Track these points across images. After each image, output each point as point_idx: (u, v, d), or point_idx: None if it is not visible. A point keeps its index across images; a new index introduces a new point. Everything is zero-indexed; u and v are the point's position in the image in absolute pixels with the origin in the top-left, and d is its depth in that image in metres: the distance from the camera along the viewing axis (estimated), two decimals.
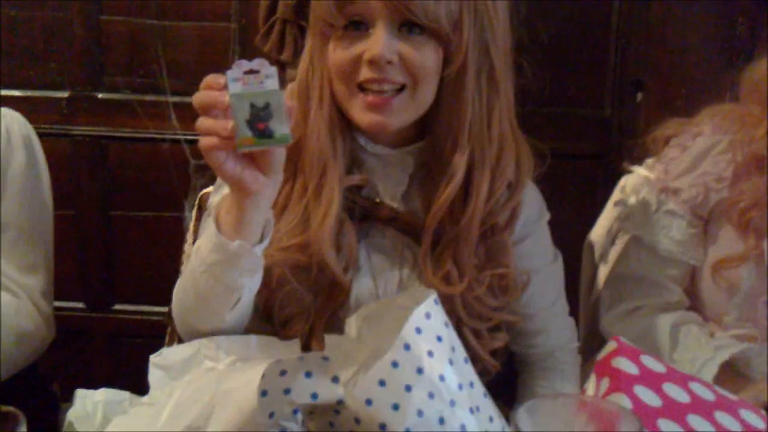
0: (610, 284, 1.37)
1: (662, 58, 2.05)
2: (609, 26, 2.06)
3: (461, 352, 0.95)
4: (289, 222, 1.08)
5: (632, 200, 1.34)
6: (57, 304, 1.43)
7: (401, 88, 1.04)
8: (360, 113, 1.05)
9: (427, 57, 1.03)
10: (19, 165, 1.34)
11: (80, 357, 2.22)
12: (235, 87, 0.89)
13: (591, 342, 1.43)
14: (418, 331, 0.90)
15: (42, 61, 2.11)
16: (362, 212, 1.11)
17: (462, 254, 1.09)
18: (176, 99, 2.05)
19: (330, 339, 0.98)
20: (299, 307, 1.09)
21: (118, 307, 2.24)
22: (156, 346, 1.40)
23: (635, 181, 1.37)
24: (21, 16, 2.09)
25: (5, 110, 1.37)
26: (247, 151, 0.91)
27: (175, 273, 1.41)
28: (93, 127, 2.12)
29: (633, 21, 2.05)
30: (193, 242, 1.36)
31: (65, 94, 2.12)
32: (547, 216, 1.23)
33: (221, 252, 0.97)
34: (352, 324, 1.01)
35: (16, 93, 2.09)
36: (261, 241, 0.99)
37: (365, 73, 1.02)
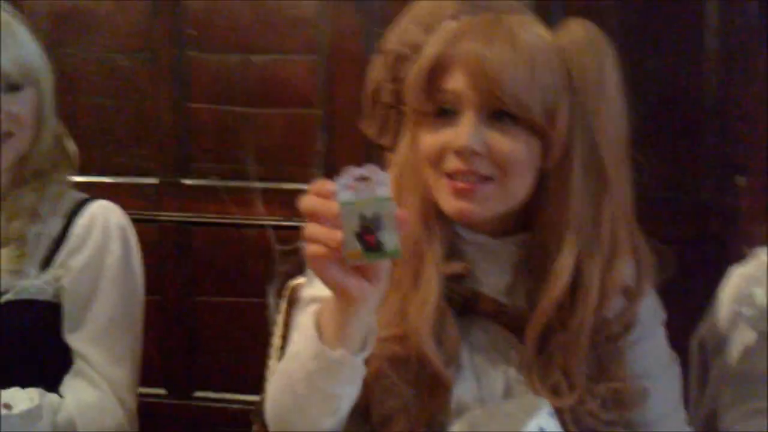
0: (733, 381, 1.27)
1: (764, 139, 1.94)
2: (702, 105, 1.98)
3: None
4: (385, 313, 1.04)
5: (758, 292, 1.24)
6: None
7: (489, 177, 1.00)
8: (445, 199, 1.02)
9: (518, 149, 0.99)
10: (115, 255, 1.36)
11: None
12: (345, 195, 0.85)
13: None
14: None
15: (132, 148, 2.14)
16: (464, 303, 1.06)
17: (572, 363, 1.02)
18: (262, 185, 2.05)
19: None
20: (399, 403, 1.03)
21: (199, 394, 2.20)
22: None
23: (759, 271, 1.27)
24: (112, 105, 2.14)
25: (104, 203, 1.40)
26: (354, 264, 0.87)
27: (257, 361, 1.43)
28: (180, 212, 2.13)
29: (730, 100, 1.97)
30: (283, 336, 1.36)
31: (154, 181, 2.14)
32: (662, 316, 1.16)
33: (322, 360, 0.93)
34: None
35: (107, 180, 2.12)
36: (363, 348, 0.94)
37: (451, 163, 1.00)
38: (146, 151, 2.14)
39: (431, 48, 1.01)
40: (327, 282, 0.89)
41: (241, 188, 2.08)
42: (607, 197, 1.02)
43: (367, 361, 0.99)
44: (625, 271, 1.05)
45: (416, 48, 1.05)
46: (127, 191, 2.10)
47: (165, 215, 2.14)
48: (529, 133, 0.99)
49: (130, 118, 2.14)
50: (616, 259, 1.03)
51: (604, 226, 1.02)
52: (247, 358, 1.88)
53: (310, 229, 0.87)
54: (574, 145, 1.00)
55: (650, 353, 1.12)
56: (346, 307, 0.90)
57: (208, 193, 2.12)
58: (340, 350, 0.92)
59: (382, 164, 0.96)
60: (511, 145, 0.98)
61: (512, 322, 1.05)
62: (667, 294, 1.36)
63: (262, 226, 2.02)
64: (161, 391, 2.19)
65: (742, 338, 1.26)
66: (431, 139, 1.02)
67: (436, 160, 1.02)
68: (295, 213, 0.89)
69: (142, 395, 1.40)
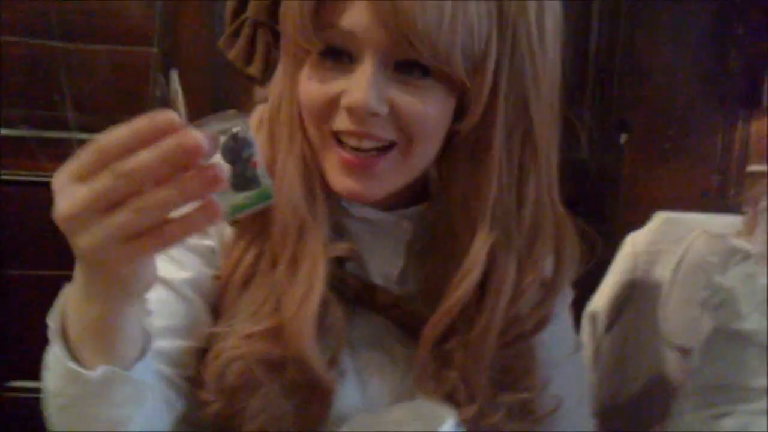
0: (698, 389, 1.15)
1: (648, 96, 1.93)
2: (587, 60, 1.93)
3: None
4: (254, 301, 0.85)
5: (720, 281, 1.11)
6: None
7: (390, 145, 0.80)
8: (334, 174, 0.83)
9: (432, 110, 0.79)
10: None
11: None
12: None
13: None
14: None
15: None
16: (355, 295, 0.89)
17: (473, 369, 0.86)
18: (84, 136, 1.81)
19: None
20: (273, 419, 0.84)
21: (13, 383, 1.97)
22: None
23: (710, 249, 1.14)
24: None
25: None
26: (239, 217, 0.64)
27: None
28: None
29: (615, 55, 1.93)
30: None
31: None
32: (570, 295, 1.01)
33: (79, 385, 0.68)
34: None
35: None
36: (143, 353, 0.70)
37: (342, 122, 0.79)
38: None
39: None
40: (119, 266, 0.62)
41: (57, 140, 1.86)
42: (534, 171, 0.84)
43: (229, 365, 0.82)
44: (546, 258, 0.89)
45: None
46: None
47: None
48: (444, 87, 0.79)
49: None
50: (537, 244, 0.87)
51: (527, 206, 0.85)
52: None
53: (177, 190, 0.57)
54: (498, 101, 0.80)
55: (555, 339, 0.98)
56: (120, 293, 0.65)
57: (16, 146, 1.87)
58: (103, 368, 0.67)
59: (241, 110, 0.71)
60: (422, 105, 0.79)
61: (405, 318, 0.89)
62: None
63: None
64: None
65: (706, 333, 1.11)
66: (315, 87, 0.81)
67: (322, 116, 0.81)
68: None
69: None
